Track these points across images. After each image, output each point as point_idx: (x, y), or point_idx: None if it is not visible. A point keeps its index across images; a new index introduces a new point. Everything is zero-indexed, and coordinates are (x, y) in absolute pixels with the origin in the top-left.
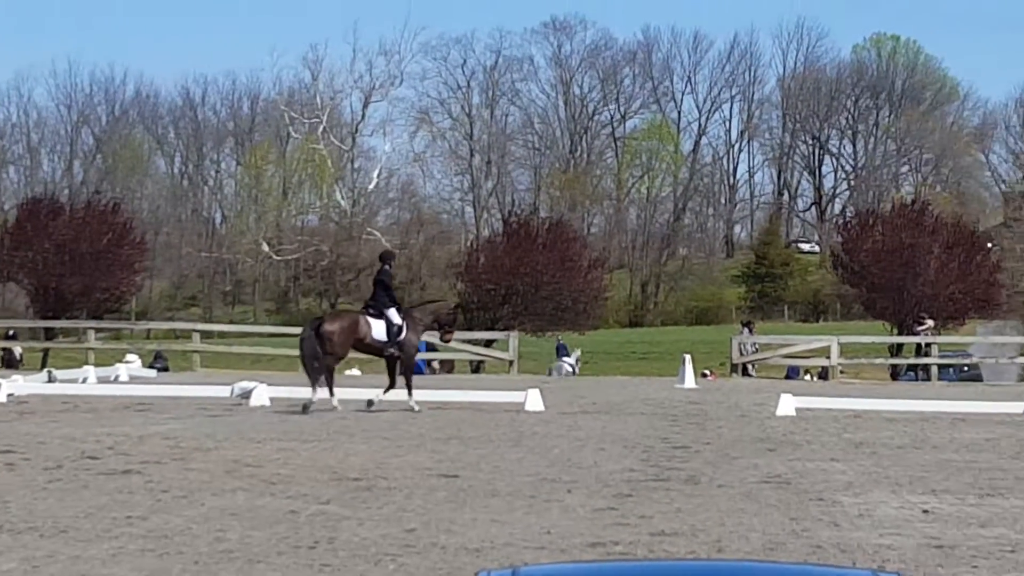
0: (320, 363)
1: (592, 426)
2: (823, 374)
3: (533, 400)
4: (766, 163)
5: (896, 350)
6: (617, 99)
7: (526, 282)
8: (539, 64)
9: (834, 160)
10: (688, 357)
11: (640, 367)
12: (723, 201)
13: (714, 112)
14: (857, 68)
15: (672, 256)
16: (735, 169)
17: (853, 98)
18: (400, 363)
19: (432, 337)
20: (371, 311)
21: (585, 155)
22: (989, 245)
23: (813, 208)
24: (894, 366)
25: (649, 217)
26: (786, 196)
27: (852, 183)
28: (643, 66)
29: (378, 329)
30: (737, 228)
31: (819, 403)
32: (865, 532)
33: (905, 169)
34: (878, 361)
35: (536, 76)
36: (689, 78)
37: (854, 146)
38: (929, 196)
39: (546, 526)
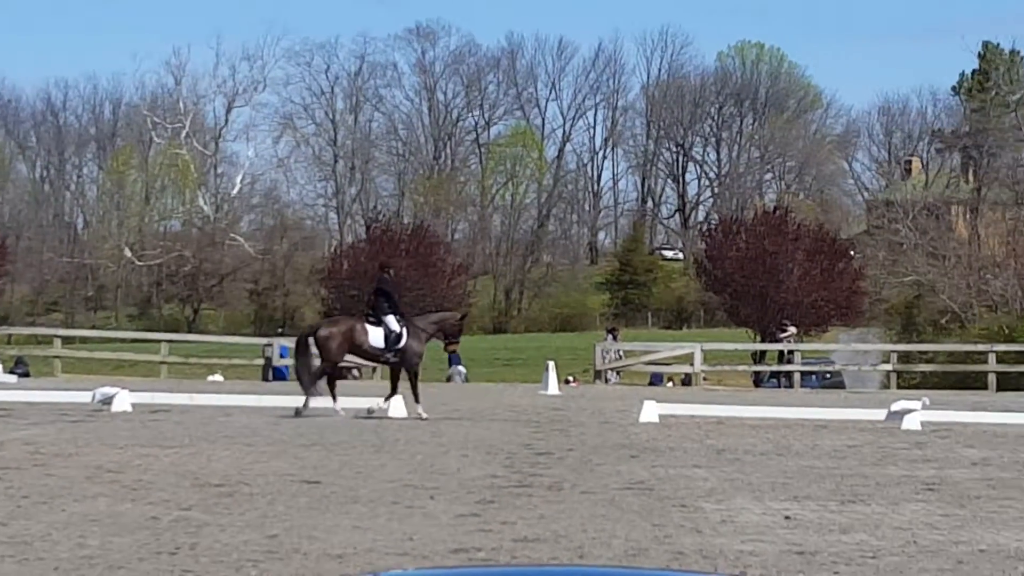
0: (309, 369)
1: (455, 432)
2: (686, 381)
3: (396, 406)
4: (630, 170)
5: (759, 357)
6: (481, 105)
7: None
8: (403, 70)
9: (698, 167)
10: (552, 364)
11: (504, 373)
12: (587, 208)
13: (578, 119)
14: (721, 76)
15: (536, 263)
16: (599, 176)
17: (717, 105)
18: (406, 372)
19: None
20: (370, 318)
21: (449, 161)
22: (852, 253)
23: (677, 215)
24: (757, 373)
25: (513, 223)
26: (650, 203)
27: (716, 190)
28: (507, 72)
29: (375, 336)
30: (601, 235)
31: (682, 410)
32: (727, 538)
33: (768, 177)
34: (741, 368)
35: (400, 82)
36: (553, 85)
37: (718, 153)
38: (792, 204)
39: (408, 532)
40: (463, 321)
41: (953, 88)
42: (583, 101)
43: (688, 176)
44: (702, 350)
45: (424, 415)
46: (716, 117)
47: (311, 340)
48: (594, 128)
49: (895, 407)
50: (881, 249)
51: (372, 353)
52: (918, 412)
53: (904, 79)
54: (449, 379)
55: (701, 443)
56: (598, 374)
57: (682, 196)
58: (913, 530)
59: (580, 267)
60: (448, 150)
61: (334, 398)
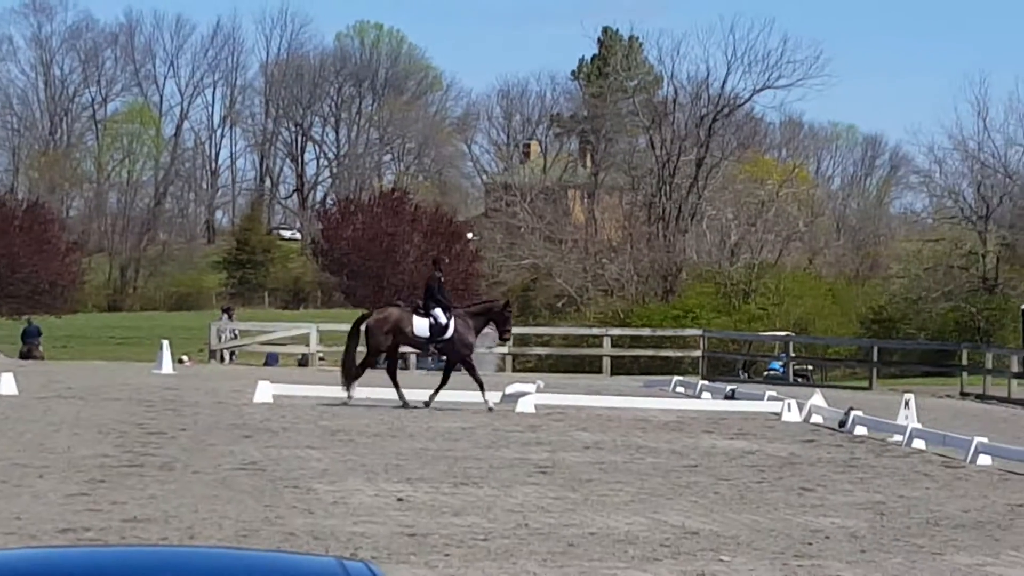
0: (352, 356)
1: (67, 411)
2: (302, 361)
3: (7, 384)
4: (248, 149)
5: None
6: (98, 81)
7: (2, 264)
8: (19, 44)
9: (317, 147)
10: (166, 343)
11: (118, 352)
12: (205, 186)
13: (196, 97)
14: (340, 56)
15: (152, 241)
16: (217, 154)
17: (336, 86)
18: (462, 364)
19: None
20: (420, 310)
21: (65, 137)
22: (469, 235)
23: (295, 195)
24: None
25: (130, 201)
26: (268, 183)
27: (334, 171)
28: (125, 49)
29: (420, 325)
30: (219, 214)
31: (297, 390)
32: (339, 520)
33: (388, 158)
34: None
35: (15, 56)
36: (172, 62)
37: (337, 134)
38: (410, 185)
39: (16, 512)
40: (508, 308)
41: (572, 73)
42: (201, 79)
43: (307, 156)
44: (318, 331)
45: (491, 405)
46: (335, 97)
47: (361, 328)
48: (212, 106)
49: (509, 390)
50: (499, 232)
51: (418, 342)
52: (532, 395)
53: (524, 63)
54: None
55: (315, 424)
56: (213, 353)
57: (300, 176)
58: (525, 512)
59: (197, 246)
60: (64, 126)
61: (398, 389)
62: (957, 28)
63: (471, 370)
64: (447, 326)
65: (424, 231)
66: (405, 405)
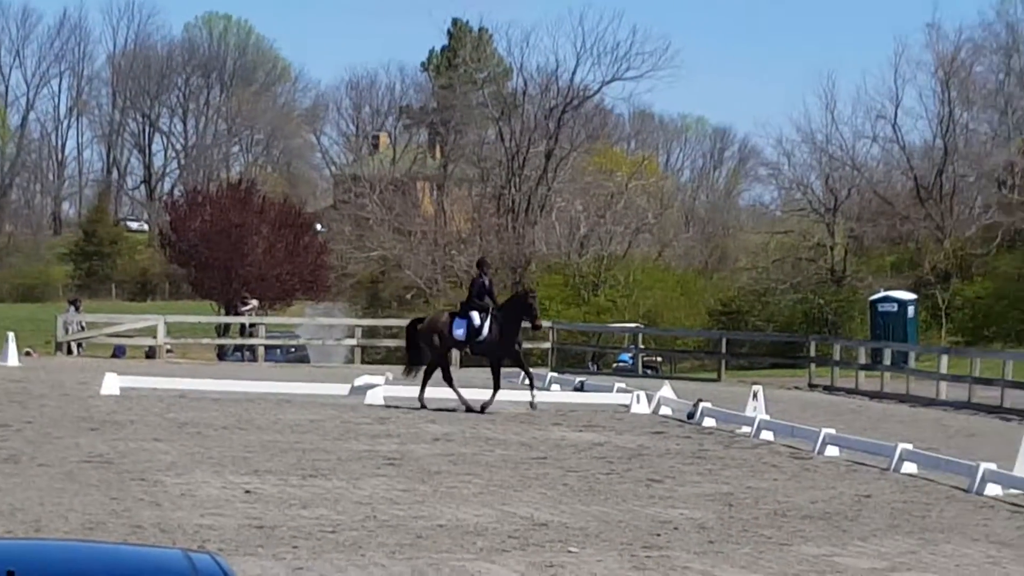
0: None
1: None
2: (150, 353)
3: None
4: (95, 140)
5: (223, 330)
6: None
7: None
8: None
9: (164, 138)
10: (12, 335)
11: None
12: (51, 177)
13: (43, 87)
14: (188, 47)
15: None
16: (64, 145)
17: (184, 76)
18: (512, 362)
19: None
20: (459, 313)
21: None
22: (318, 227)
23: (143, 186)
24: (221, 346)
25: None
26: (115, 174)
27: (182, 162)
28: None
29: (459, 328)
30: (65, 205)
31: (144, 382)
32: (186, 512)
33: (236, 149)
34: (205, 341)
35: None
36: (17, 52)
37: (185, 125)
38: (259, 177)
39: None
40: (531, 295)
41: (422, 64)
42: (47, 69)
43: (155, 147)
44: (166, 323)
45: (534, 404)
46: (183, 88)
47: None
48: (59, 97)
49: (358, 382)
50: (347, 224)
51: (458, 345)
52: (381, 387)
53: (374, 54)
54: None
55: (163, 416)
56: (60, 346)
57: (148, 167)
58: (373, 504)
59: (43, 237)
60: None
61: (455, 390)
62: (805, 22)
63: (521, 366)
64: (480, 328)
65: (272, 223)
66: (469, 410)
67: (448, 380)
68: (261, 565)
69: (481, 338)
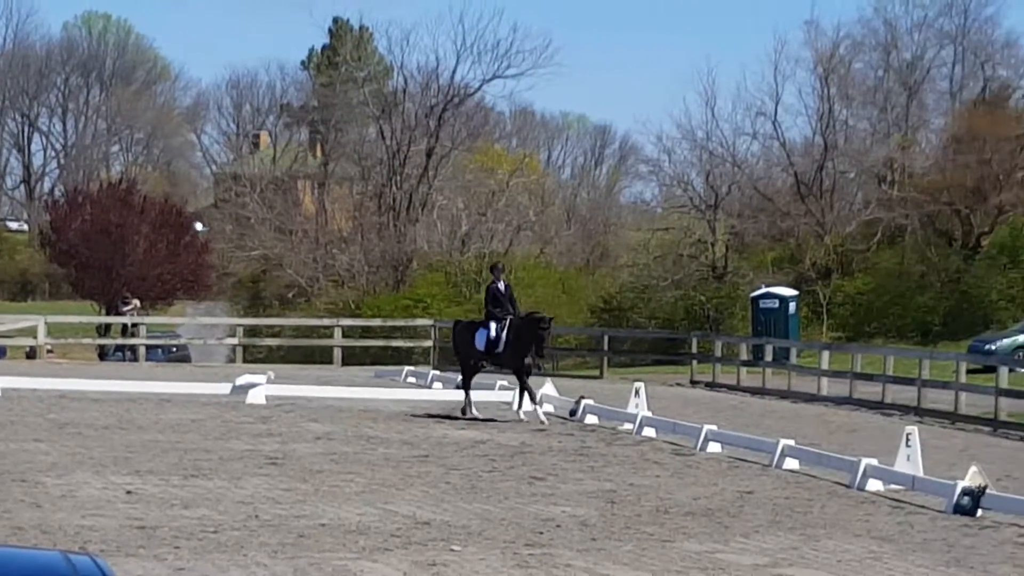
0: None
1: None
2: (30, 354)
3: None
4: None
5: (104, 330)
6: None
7: None
8: None
9: (44, 138)
10: None
11: None
12: None
13: None
14: (67, 46)
15: None
16: None
17: (63, 76)
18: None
19: None
20: (482, 323)
21: None
22: (199, 226)
23: (22, 186)
24: (102, 346)
25: None
26: None
27: (62, 162)
28: None
29: (480, 338)
30: None
31: (24, 383)
32: (67, 513)
33: (116, 148)
34: (86, 341)
35: None
36: None
37: (64, 124)
38: (139, 176)
39: None
40: (543, 325)
41: (302, 63)
42: None
43: (34, 147)
44: (46, 323)
45: (522, 416)
46: (62, 88)
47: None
48: None
49: (240, 381)
50: (228, 223)
51: (481, 355)
52: (263, 386)
53: (254, 53)
54: None
55: (43, 417)
56: None
57: (27, 167)
58: (255, 504)
59: None
60: None
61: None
62: (686, 20)
63: (521, 380)
64: (497, 339)
65: (153, 222)
66: (463, 414)
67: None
68: (143, 566)
69: (499, 350)
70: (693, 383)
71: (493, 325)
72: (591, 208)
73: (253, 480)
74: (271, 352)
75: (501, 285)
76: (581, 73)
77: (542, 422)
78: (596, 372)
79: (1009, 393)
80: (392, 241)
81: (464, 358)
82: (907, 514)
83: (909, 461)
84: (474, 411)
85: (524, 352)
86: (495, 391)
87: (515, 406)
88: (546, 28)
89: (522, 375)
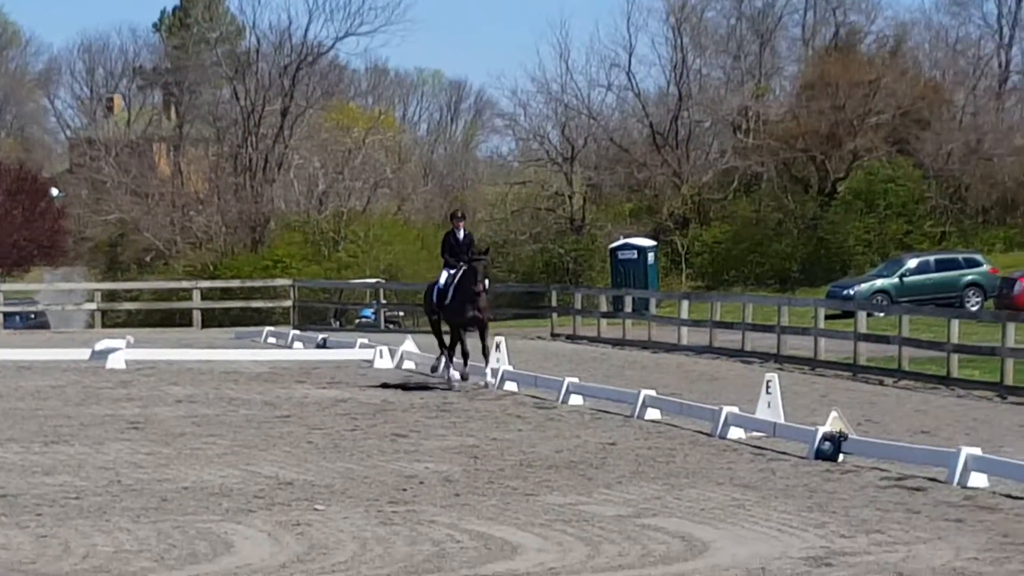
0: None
1: None
2: None
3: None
4: None
5: None
6: None
7: None
8: None
9: None
10: None
11: None
12: None
13: None
14: None
15: None
16: None
17: None
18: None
19: None
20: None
21: None
22: (54, 191)
23: None
24: None
25: None
26: None
27: None
28: None
29: (435, 292)
30: None
31: None
32: None
33: None
34: None
35: None
36: None
37: None
38: None
39: None
40: (477, 257)
41: (154, 25)
42: None
43: None
44: None
45: (489, 378)
46: None
47: None
48: None
49: (99, 346)
50: (84, 187)
51: (434, 309)
52: (122, 351)
53: (105, 16)
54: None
55: None
56: None
57: None
58: (117, 469)
59: None
60: None
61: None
62: None
63: (480, 336)
64: (446, 290)
65: (8, 189)
66: (433, 370)
67: (440, 344)
68: (5, 534)
69: (447, 303)
70: (554, 336)
71: (444, 275)
72: (448, 164)
73: (115, 445)
74: (130, 316)
75: (461, 234)
76: (435, 28)
77: (488, 383)
78: None
79: (867, 338)
80: (249, 202)
81: (428, 315)
82: (769, 461)
83: (770, 408)
84: (451, 373)
85: (467, 301)
86: (356, 349)
87: (485, 368)
88: None
89: (476, 329)
